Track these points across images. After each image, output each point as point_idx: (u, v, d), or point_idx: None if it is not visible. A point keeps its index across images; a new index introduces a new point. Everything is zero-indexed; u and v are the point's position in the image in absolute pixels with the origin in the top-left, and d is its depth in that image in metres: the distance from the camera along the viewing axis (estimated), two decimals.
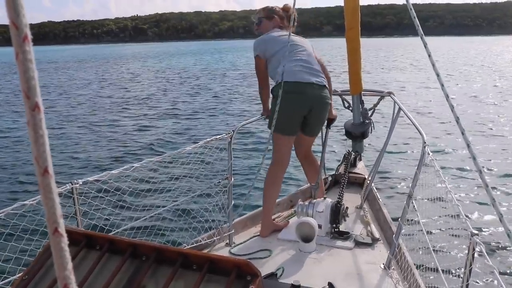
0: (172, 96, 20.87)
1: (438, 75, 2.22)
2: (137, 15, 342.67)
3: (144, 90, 23.55)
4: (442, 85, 2.23)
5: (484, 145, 10.18)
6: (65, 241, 0.44)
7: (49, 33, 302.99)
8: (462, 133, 2.03)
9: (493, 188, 7.34)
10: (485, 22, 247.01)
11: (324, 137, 4.36)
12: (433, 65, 2.28)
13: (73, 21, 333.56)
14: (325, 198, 3.74)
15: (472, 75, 26.74)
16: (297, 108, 3.64)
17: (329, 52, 53.15)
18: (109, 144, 11.57)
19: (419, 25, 2.32)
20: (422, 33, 2.35)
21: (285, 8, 4.08)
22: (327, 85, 3.73)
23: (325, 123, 4.10)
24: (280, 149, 3.73)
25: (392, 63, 37.89)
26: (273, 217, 4.06)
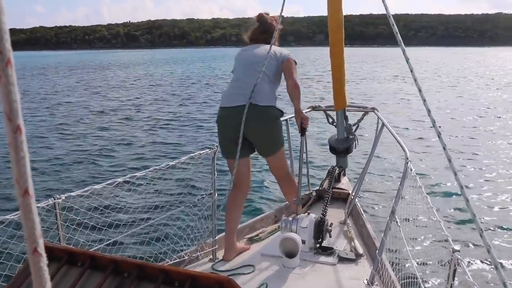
0: (158, 107, 20.76)
1: (420, 90, 2.25)
2: (129, 21, 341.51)
3: (129, 100, 23.35)
4: (424, 100, 2.27)
5: (470, 158, 10.33)
6: (44, 260, 0.45)
7: (40, 38, 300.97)
8: (444, 148, 2.06)
9: (475, 201, 7.43)
10: (476, 33, 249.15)
11: (301, 146, 4.22)
12: (415, 80, 2.32)
13: (65, 26, 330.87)
14: (309, 213, 3.74)
15: (461, 86, 27.18)
16: (225, 131, 3.69)
17: (321, 61, 53.09)
18: (93, 158, 11.46)
19: (401, 41, 2.37)
20: (404, 48, 2.40)
21: (257, 18, 4.02)
22: (263, 103, 3.59)
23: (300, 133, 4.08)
24: (230, 172, 3.78)
25: (379, 74, 38.24)
26: (257, 232, 4.06)
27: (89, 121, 16.86)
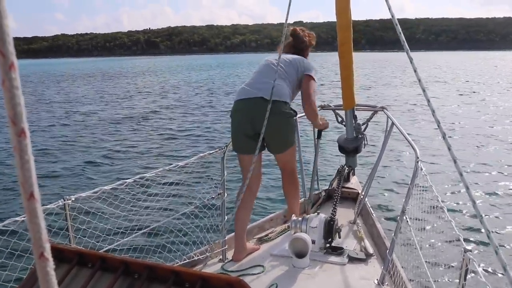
0: (171, 110, 20.89)
1: (424, 90, 2.24)
2: (149, 28, 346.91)
3: (142, 104, 23.52)
4: (429, 101, 2.25)
5: (483, 159, 10.26)
6: (51, 265, 0.44)
7: (62, 46, 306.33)
8: (449, 149, 2.04)
9: (483, 202, 7.37)
10: (498, 37, 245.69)
11: (315, 149, 4.30)
12: (419, 80, 2.30)
13: (86, 34, 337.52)
14: (318, 213, 3.73)
15: (481, 90, 26.74)
16: (238, 125, 3.65)
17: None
18: (103, 160, 11.53)
19: (405, 41, 2.35)
20: (408, 48, 2.38)
21: (290, 33, 4.03)
22: (281, 99, 3.55)
23: (316, 135, 4.09)
24: (241, 169, 3.76)
25: (396, 80, 37.30)
26: (266, 232, 4.05)
27: (101, 125, 16.96)
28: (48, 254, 0.44)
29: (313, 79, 3.77)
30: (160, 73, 58.34)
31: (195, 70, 62.58)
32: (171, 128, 16.03)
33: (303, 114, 3.96)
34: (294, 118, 3.70)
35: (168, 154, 11.96)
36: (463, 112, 18.29)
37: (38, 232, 0.44)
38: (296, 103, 3.80)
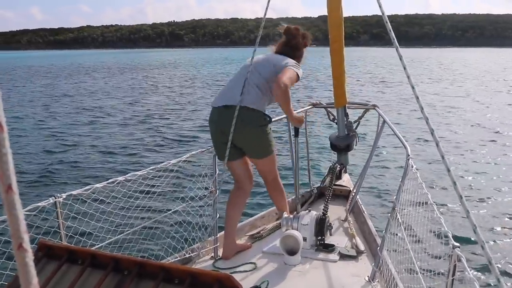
0: (167, 106, 20.83)
1: (413, 87, 2.25)
2: (173, 21, 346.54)
3: (142, 100, 23.35)
4: (417, 98, 2.27)
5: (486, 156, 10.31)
6: (30, 256, 0.45)
7: (87, 37, 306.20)
8: (437, 145, 2.06)
9: (468, 198, 7.43)
10: None
11: (292, 148, 4.14)
12: (408, 77, 2.32)
13: (111, 25, 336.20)
14: (310, 210, 3.75)
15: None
16: (214, 135, 3.65)
17: (363, 62, 50.92)
18: (94, 157, 11.48)
19: (395, 38, 2.36)
20: (398, 45, 2.39)
21: (283, 31, 3.92)
22: (249, 106, 3.46)
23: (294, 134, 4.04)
24: (230, 173, 3.77)
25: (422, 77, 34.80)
26: (258, 229, 4.06)
27: (91, 124, 16.82)
28: (27, 245, 0.44)
29: (295, 72, 3.54)
30: (184, 66, 57.37)
31: (219, 63, 61.42)
32: (176, 124, 15.97)
33: (284, 116, 3.88)
34: (269, 125, 3.58)
35: (168, 151, 11.88)
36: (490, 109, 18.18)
37: (16, 224, 0.44)
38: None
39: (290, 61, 3.64)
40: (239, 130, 3.44)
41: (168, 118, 17.22)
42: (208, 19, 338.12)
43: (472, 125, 14.77)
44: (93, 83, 33.53)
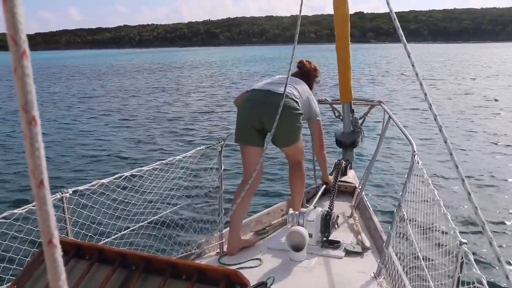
0: (174, 102, 20.88)
1: (421, 84, 2.24)
2: (209, 19, 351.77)
3: (149, 97, 23.37)
4: (426, 95, 2.25)
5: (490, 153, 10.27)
6: (59, 252, 0.45)
7: (124, 37, 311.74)
8: (445, 142, 2.05)
9: (478, 195, 7.40)
10: None
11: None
12: (417, 74, 2.30)
13: (148, 25, 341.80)
14: (315, 207, 3.74)
15: None
16: (247, 114, 3.67)
17: (400, 59, 50.51)
18: (101, 153, 11.51)
19: (403, 35, 2.34)
20: (406, 42, 2.38)
21: (297, 64, 4.21)
22: (293, 97, 3.66)
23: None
24: (242, 160, 3.78)
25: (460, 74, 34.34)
26: (263, 225, 4.06)
27: (99, 120, 16.86)
28: (57, 240, 0.45)
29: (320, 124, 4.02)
30: (215, 65, 56.22)
31: (255, 61, 59.51)
32: (183, 120, 16.00)
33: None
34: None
35: (174, 148, 11.89)
36: None
37: (46, 219, 0.45)
38: None
39: (316, 106, 4.00)
40: (282, 113, 3.45)
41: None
42: (243, 17, 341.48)
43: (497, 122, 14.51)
44: (130, 83, 33.11)
